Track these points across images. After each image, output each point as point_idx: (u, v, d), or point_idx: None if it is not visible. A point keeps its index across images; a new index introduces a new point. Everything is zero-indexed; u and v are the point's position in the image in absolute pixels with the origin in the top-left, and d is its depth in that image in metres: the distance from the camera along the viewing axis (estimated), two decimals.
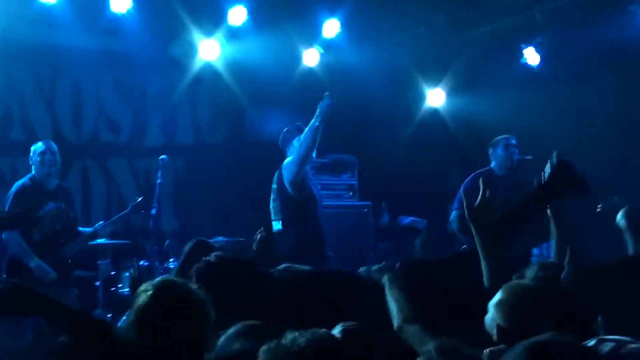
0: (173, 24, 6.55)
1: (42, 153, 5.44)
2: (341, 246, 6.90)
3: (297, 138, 5.69)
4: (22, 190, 5.45)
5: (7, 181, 6.59)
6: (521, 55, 6.98)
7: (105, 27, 6.57)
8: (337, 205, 7.18)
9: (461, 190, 5.62)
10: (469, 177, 5.72)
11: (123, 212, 5.95)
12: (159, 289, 2.23)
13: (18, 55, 6.54)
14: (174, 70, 7.25)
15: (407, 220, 7.65)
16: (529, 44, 6.89)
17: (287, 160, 5.65)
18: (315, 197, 5.71)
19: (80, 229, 5.80)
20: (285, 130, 5.86)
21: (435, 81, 7.80)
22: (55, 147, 5.53)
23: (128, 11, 6.33)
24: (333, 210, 7.08)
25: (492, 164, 5.71)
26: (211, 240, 6.49)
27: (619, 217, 3.76)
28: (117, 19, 6.39)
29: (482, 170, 5.71)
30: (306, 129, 5.47)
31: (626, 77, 6.57)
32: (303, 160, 5.42)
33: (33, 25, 6.26)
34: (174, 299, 2.21)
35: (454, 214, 5.62)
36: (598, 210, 5.28)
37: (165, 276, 2.58)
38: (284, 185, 5.57)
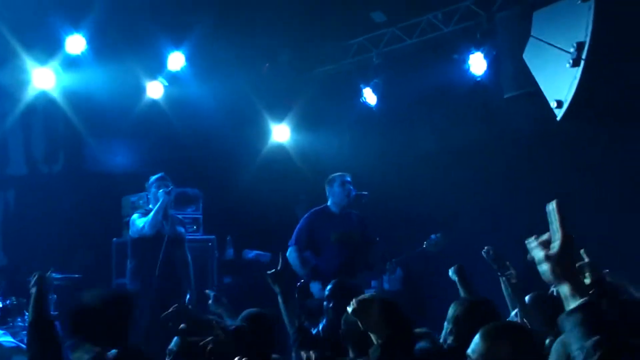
0: (2, 49, 6.20)
1: None
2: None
3: (155, 189, 5.94)
4: None
5: None
6: (360, 94, 7.30)
7: None
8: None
9: (298, 226, 5.74)
10: (306, 214, 5.85)
11: None
12: None
13: None
14: (3, 98, 6.84)
15: (252, 254, 7.68)
16: (367, 84, 7.22)
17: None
18: None
19: None
20: (154, 178, 5.99)
21: (280, 117, 7.95)
22: None
23: None
24: None
25: (329, 201, 5.81)
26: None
27: (451, 272, 4.07)
28: None
29: (318, 207, 5.83)
30: (151, 213, 5.84)
31: (449, 116, 7.10)
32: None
33: None
34: None
35: (290, 250, 5.67)
36: (424, 246, 5.60)
37: None
38: None
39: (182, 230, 6.20)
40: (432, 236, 5.63)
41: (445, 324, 3.06)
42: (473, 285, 4.04)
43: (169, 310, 3.27)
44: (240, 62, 7.31)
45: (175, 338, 3.03)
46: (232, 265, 7.53)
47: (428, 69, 6.63)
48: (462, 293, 3.97)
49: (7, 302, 5.84)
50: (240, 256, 7.65)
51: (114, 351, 2.76)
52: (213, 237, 7.18)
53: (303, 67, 7.62)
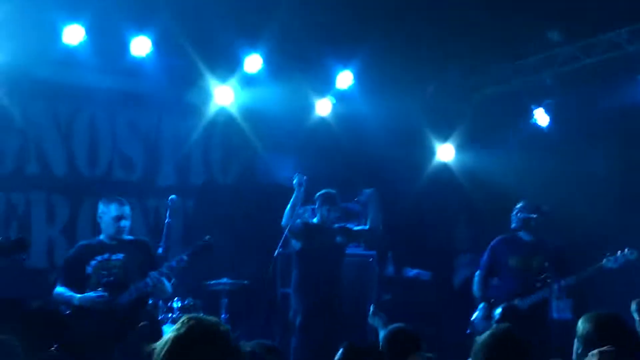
0: (190, 69, 6.73)
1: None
2: (345, 294, 6.94)
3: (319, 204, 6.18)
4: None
5: (19, 215, 6.75)
6: (531, 115, 7.09)
7: (124, 68, 6.74)
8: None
9: (487, 253, 5.70)
10: (495, 240, 5.77)
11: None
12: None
13: (37, 92, 6.73)
14: (188, 113, 7.42)
15: (412, 272, 7.67)
16: (539, 105, 6.99)
17: None
18: None
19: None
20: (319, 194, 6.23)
21: (444, 136, 7.91)
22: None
23: (147, 55, 6.53)
24: None
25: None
26: (216, 281, 6.65)
27: (633, 308, 3.78)
28: (136, 61, 6.58)
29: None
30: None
31: (628, 141, 6.68)
32: None
33: (55, 64, 6.45)
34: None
35: (477, 276, 5.68)
36: (602, 263, 5.26)
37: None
38: None
39: (340, 240, 6.26)
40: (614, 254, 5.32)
41: (575, 342, 2.88)
42: None
43: None
44: (407, 80, 7.37)
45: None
46: (392, 282, 7.56)
47: (606, 89, 6.30)
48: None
49: (185, 302, 6.31)
50: (400, 273, 7.67)
51: None
52: (374, 252, 7.26)
53: (470, 87, 7.52)
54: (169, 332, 2.32)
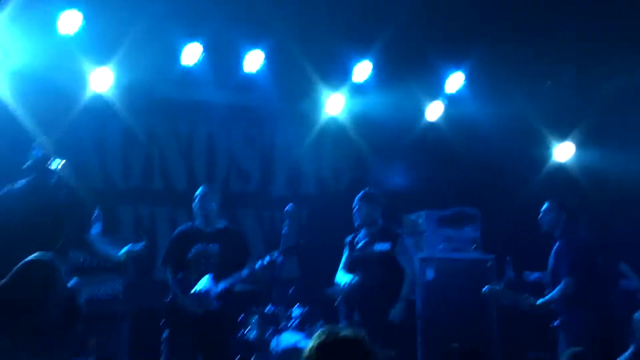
0: (301, 80, 6.86)
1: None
2: (462, 301, 6.84)
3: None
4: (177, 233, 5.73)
5: (145, 228, 7.08)
6: None
7: (239, 84, 6.97)
8: (460, 259, 7.12)
9: None
10: None
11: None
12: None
13: (159, 110, 7.11)
14: (300, 123, 7.56)
15: (533, 276, 7.43)
16: None
17: None
18: None
19: None
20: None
21: (562, 135, 7.64)
22: (204, 191, 5.66)
23: (259, 70, 6.73)
24: (455, 264, 7.06)
25: None
26: (333, 289, 6.72)
27: None
28: (249, 77, 6.79)
29: None
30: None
31: None
32: None
33: (174, 83, 6.77)
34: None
35: None
36: None
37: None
38: None
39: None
40: None
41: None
42: None
43: None
44: (520, 80, 7.18)
45: None
46: (512, 287, 7.35)
47: None
48: None
49: (304, 309, 6.40)
50: (520, 278, 7.44)
51: None
52: (492, 256, 7.10)
53: (588, 84, 7.23)
54: (310, 341, 2.40)
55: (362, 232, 5.90)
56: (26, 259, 3.28)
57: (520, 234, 7.48)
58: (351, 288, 5.76)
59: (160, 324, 5.42)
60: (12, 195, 4.74)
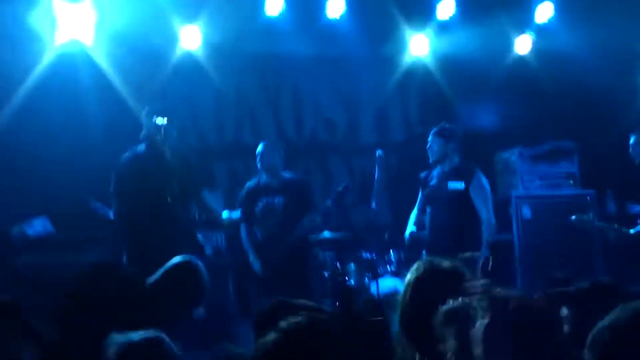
0: (384, 23, 6.77)
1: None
2: (562, 240, 6.69)
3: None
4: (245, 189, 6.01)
5: (240, 180, 7.27)
6: None
7: (322, 33, 6.95)
8: (557, 195, 6.95)
9: None
10: None
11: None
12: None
13: (247, 66, 7.21)
14: (385, 68, 7.47)
15: (637, 208, 7.17)
16: None
17: None
18: None
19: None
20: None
21: None
22: (263, 147, 5.92)
23: (341, 16, 6.69)
24: (552, 201, 6.89)
25: None
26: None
27: None
28: (331, 24, 6.76)
29: None
30: None
31: None
32: None
33: (259, 36, 6.82)
34: None
35: None
36: None
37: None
38: None
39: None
40: None
41: None
42: None
43: None
44: (615, 7, 6.80)
45: None
46: (615, 222, 7.13)
47: None
48: None
49: (400, 254, 6.44)
50: (623, 211, 7.20)
51: None
52: (592, 191, 6.89)
53: None
54: (407, 275, 2.43)
55: (436, 170, 5.70)
56: (176, 261, 3.58)
57: (622, 166, 7.21)
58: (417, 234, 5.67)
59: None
60: (137, 158, 5.12)
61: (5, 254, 5.42)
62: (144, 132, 5.17)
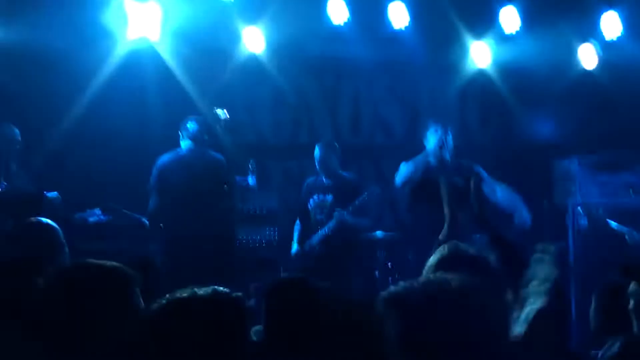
0: (447, 31, 6.80)
1: None
2: (620, 250, 6.53)
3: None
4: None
5: (294, 180, 7.38)
6: None
7: (384, 38, 7.03)
8: (616, 204, 6.79)
9: None
10: None
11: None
12: None
13: (307, 67, 7.36)
14: (445, 74, 7.48)
15: None
16: None
17: None
18: None
19: None
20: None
21: None
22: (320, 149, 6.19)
23: (406, 27, 6.77)
24: (611, 210, 6.74)
25: None
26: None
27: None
28: (395, 33, 6.85)
29: None
30: None
31: None
32: None
33: (322, 40, 6.96)
34: None
35: None
36: None
37: None
38: None
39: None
40: None
41: None
42: None
43: None
44: None
45: None
46: None
47: None
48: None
49: None
50: None
51: None
52: None
53: None
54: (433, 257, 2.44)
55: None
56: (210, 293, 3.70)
57: None
58: None
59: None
60: (181, 159, 5.45)
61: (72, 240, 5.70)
62: (189, 131, 5.66)
